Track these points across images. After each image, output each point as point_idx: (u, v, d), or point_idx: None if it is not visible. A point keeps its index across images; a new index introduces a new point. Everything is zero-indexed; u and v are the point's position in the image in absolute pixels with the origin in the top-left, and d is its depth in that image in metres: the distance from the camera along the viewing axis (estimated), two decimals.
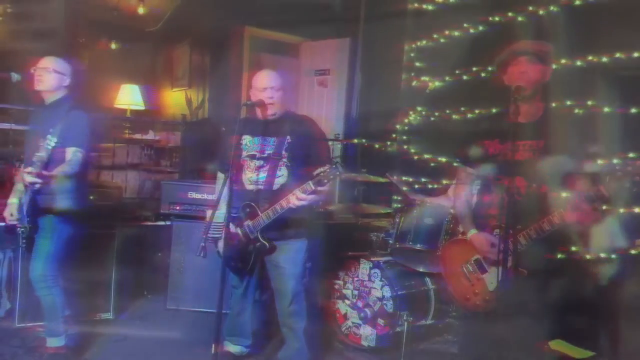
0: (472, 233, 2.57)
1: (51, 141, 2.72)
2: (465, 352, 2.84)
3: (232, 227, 2.78)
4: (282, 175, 2.85)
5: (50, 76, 2.91)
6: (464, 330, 2.99)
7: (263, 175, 2.86)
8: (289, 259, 2.89)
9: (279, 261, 2.89)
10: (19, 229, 3.03)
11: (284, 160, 2.85)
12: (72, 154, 2.83)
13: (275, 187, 2.83)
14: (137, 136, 6.04)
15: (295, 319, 2.94)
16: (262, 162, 2.87)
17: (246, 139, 2.93)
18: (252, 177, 2.87)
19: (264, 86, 2.83)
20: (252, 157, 2.89)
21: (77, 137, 2.85)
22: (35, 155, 2.76)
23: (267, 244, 2.81)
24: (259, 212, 2.78)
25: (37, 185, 2.70)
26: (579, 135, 2.44)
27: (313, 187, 2.57)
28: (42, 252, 2.90)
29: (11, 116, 4.65)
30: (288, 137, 2.86)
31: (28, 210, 2.83)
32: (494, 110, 2.67)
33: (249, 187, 2.88)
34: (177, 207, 3.97)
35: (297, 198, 2.62)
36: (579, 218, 2.23)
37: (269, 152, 2.87)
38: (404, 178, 4.90)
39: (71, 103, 2.95)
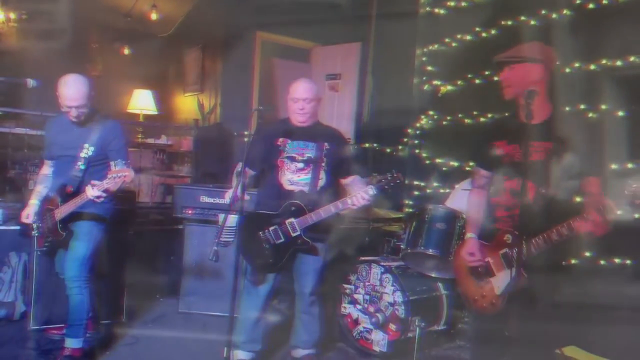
0: (468, 237, 2.58)
1: (89, 150, 2.87)
2: (477, 356, 2.82)
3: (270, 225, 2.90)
4: (322, 178, 3.00)
5: (89, 103, 3.00)
6: (474, 333, 2.98)
7: (306, 177, 2.98)
8: (317, 257, 3.01)
9: (308, 257, 3.00)
10: (34, 231, 3.10)
11: (323, 164, 2.99)
12: (119, 166, 2.94)
13: (318, 188, 2.97)
14: (150, 141, 6.09)
15: (314, 307, 3.12)
16: (302, 165, 2.99)
17: (286, 142, 3.04)
18: (293, 178, 2.99)
19: (301, 97, 2.99)
20: (292, 159, 3.00)
21: (120, 150, 3.02)
22: (74, 169, 2.91)
23: (309, 242, 2.91)
24: (307, 211, 2.86)
25: (101, 199, 2.79)
26: (589, 138, 2.41)
27: (375, 192, 2.75)
28: (78, 254, 3.00)
29: (26, 121, 4.72)
30: (326, 143, 3.02)
31: (66, 215, 2.95)
32: (506, 114, 2.64)
33: (289, 187, 2.98)
34: (190, 211, 3.99)
35: (362, 198, 2.77)
36: (591, 229, 2.19)
37: (309, 155, 3.00)
38: (415, 182, 4.89)
39: (100, 113, 3.09)
